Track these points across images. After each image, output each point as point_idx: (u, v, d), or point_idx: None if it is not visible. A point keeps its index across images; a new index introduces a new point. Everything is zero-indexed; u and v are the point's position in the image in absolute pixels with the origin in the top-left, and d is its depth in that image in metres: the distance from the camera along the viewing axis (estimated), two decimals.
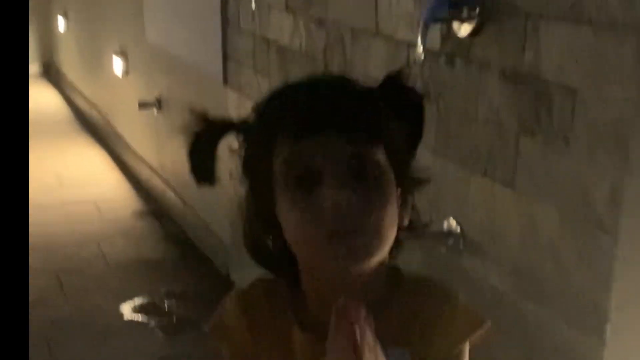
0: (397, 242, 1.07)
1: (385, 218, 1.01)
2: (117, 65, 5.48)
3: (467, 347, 1.10)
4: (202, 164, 1.09)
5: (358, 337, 0.92)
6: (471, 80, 1.97)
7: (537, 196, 1.80)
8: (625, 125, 1.55)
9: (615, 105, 1.57)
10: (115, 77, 5.59)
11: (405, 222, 1.07)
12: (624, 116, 1.55)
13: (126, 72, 5.45)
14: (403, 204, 1.06)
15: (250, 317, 1.11)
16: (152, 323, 3.45)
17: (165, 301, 3.62)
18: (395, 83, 1.09)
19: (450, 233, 2.08)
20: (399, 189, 1.05)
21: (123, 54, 5.48)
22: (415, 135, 1.10)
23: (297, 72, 2.85)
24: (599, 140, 1.62)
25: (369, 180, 1.00)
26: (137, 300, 3.62)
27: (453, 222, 2.08)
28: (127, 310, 3.55)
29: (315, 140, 0.99)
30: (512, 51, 1.83)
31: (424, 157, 2.23)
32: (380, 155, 1.01)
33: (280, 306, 1.11)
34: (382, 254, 1.03)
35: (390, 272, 1.10)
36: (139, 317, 3.49)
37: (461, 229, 2.06)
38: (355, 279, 1.03)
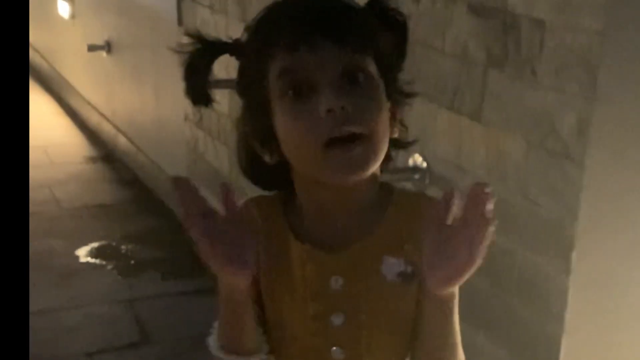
0: (387, 157, 1.10)
1: (379, 125, 1.04)
2: (63, 8, 5.36)
3: None
4: (197, 84, 1.10)
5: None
6: (438, 13, 1.98)
7: (505, 128, 1.83)
8: (594, 55, 1.58)
9: (584, 34, 1.59)
10: (61, 20, 5.46)
11: (395, 135, 1.10)
12: (593, 45, 1.58)
13: (73, 15, 5.33)
14: (392, 117, 1.09)
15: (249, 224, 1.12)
16: (109, 266, 3.43)
17: (122, 244, 3.60)
18: (379, 3, 1.11)
19: (416, 168, 2.10)
20: (389, 102, 1.08)
21: None
22: (400, 52, 1.12)
23: (257, 10, 2.81)
24: (567, 70, 1.64)
25: (362, 88, 1.03)
26: (93, 244, 3.60)
27: (419, 158, 2.10)
28: (84, 253, 3.53)
29: (310, 51, 1.02)
30: None
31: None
32: (372, 66, 1.05)
33: (275, 220, 1.13)
34: (376, 164, 1.06)
35: (383, 187, 1.13)
36: (96, 261, 3.47)
37: (427, 163, 2.08)
38: (350, 190, 1.05)
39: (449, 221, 0.97)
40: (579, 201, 1.66)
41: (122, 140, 4.69)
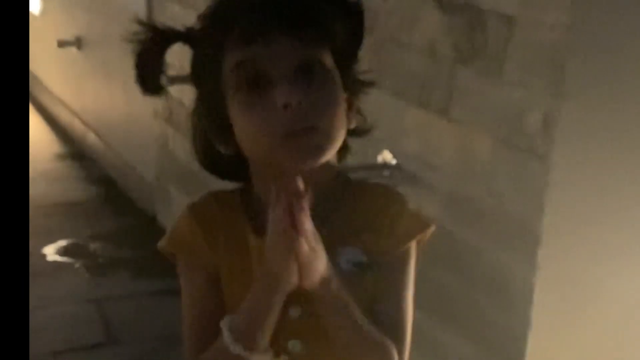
0: (345, 146, 1.11)
1: (335, 118, 1.05)
2: (34, 3, 5.31)
3: (413, 249, 1.13)
4: (148, 73, 1.09)
5: (296, 208, 0.95)
6: (406, 9, 1.97)
7: (472, 125, 1.82)
8: (561, 50, 1.58)
9: (550, 31, 1.59)
10: (31, 15, 5.41)
11: (352, 125, 1.11)
12: (560, 41, 1.58)
13: (43, 10, 5.28)
14: (349, 107, 1.09)
15: (205, 228, 1.12)
16: (78, 264, 3.39)
17: (90, 243, 3.56)
18: None
19: (385, 165, 2.09)
20: (346, 93, 1.08)
21: None
22: (356, 40, 1.12)
23: None
24: (533, 66, 1.64)
25: (317, 81, 1.03)
26: (61, 242, 3.56)
27: (388, 155, 2.09)
28: (51, 251, 3.48)
29: (265, 43, 1.01)
30: None
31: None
32: (327, 58, 1.05)
33: (234, 214, 1.13)
34: (331, 152, 1.06)
35: (340, 177, 1.14)
36: (63, 259, 3.43)
37: (396, 160, 2.07)
38: (306, 178, 1.04)
39: None
40: (545, 198, 1.66)
41: (91, 137, 4.65)
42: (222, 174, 1.16)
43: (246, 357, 1.04)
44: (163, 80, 1.10)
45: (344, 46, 1.09)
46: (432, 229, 1.17)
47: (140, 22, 1.09)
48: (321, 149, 1.04)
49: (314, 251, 0.99)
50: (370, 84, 1.15)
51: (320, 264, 1.01)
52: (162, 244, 1.16)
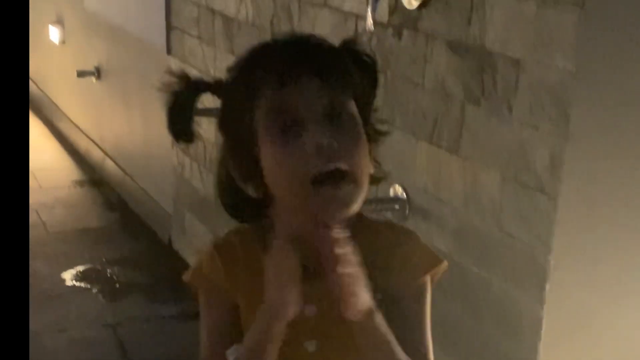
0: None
1: (363, 162, 1.10)
2: (54, 33, 5.41)
3: (428, 285, 1.18)
4: (180, 121, 1.15)
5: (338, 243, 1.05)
6: (418, 51, 2.04)
7: (481, 161, 1.89)
8: (566, 93, 1.64)
9: (556, 73, 1.66)
10: (52, 45, 5.52)
11: (371, 171, 1.15)
12: (565, 84, 1.64)
13: (63, 40, 5.38)
14: (369, 153, 1.14)
15: (227, 266, 1.18)
16: (95, 289, 3.46)
17: (107, 268, 3.63)
18: (352, 46, 1.17)
19: (396, 199, 2.16)
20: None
21: (60, 23, 5.41)
22: (372, 92, 1.18)
23: (244, 42, 2.87)
24: (540, 107, 1.71)
25: (345, 125, 1.08)
26: (79, 267, 3.63)
27: (399, 189, 2.16)
28: (69, 276, 3.56)
29: (296, 91, 1.07)
30: (459, 23, 1.90)
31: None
32: (352, 105, 1.11)
33: (253, 251, 1.18)
34: (361, 201, 1.11)
35: (354, 217, 1.17)
36: (81, 284, 3.50)
37: (407, 194, 2.13)
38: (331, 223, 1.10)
39: None
40: (553, 234, 1.71)
41: (109, 165, 4.73)
42: (243, 217, 1.21)
43: None
44: (194, 128, 1.16)
45: (364, 96, 1.15)
46: (445, 265, 1.22)
47: (172, 73, 1.14)
48: (351, 201, 1.09)
49: (358, 282, 1.05)
50: (386, 133, 1.20)
51: (364, 296, 1.06)
52: (186, 277, 1.23)
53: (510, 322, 1.83)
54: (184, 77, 1.15)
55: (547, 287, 1.73)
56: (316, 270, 1.14)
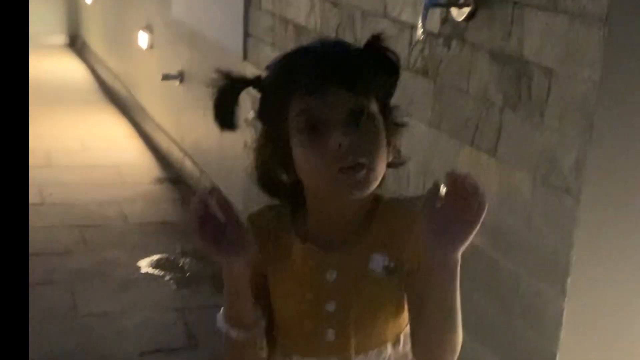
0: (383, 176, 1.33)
1: (379, 156, 1.28)
2: (143, 39, 5.72)
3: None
4: (225, 112, 1.33)
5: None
6: (464, 60, 2.21)
7: (515, 164, 2.03)
8: (591, 102, 1.78)
9: (583, 84, 1.80)
10: (140, 50, 5.83)
11: (390, 159, 1.33)
12: (590, 94, 1.79)
13: (151, 45, 5.68)
14: (388, 144, 1.32)
15: (259, 235, 1.35)
16: (167, 277, 3.71)
17: (180, 258, 3.88)
18: (378, 42, 1.33)
19: (440, 197, 2.31)
20: (387, 133, 1.31)
21: (149, 29, 5.72)
22: (393, 88, 1.35)
23: None
24: (568, 114, 1.85)
25: (365, 125, 1.26)
26: (154, 257, 3.89)
27: (443, 189, 2.31)
28: (145, 264, 3.81)
29: (323, 95, 1.25)
30: (500, 34, 2.06)
31: (420, 129, 2.47)
32: (373, 105, 1.28)
33: (283, 224, 1.37)
34: (376, 185, 1.29)
35: (373, 195, 1.35)
36: (155, 271, 3.75)
37: None
38: (351, 203, 1.30)
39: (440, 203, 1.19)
40: (575, 231, 1.85)
41: (188, 164, 4.99)
42: (277, 196, 1.38)
43: (227, 331, 1.30)
44: (237, 119, 1.33)
45: (386, 93, 1.32)
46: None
47: (218, 71, 1.33)
48: (368, 184, 1.27)
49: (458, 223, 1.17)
50: (404, 124, 1.36)
51: (458, 240, 1.18)
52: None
53: (535, 313, 1.97)
54: (227, 75, 1.33)
55: (569, 280, 1.87)
56: (335, 239, 1.32)
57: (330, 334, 1.35)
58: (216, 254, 1.23)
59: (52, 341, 3.09)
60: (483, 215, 1.17)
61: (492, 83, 2.11)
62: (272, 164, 1.34)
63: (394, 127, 1.35)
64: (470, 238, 1.18)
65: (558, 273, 1.90)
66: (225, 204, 1.21)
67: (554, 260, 1.91)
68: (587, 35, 1.79)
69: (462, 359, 1.35)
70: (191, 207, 1.22)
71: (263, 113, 1.34)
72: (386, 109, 1.33)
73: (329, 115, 1.25)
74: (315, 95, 1.25)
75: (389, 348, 1.39)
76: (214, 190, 1.22)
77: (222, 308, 1.34)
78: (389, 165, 1.34)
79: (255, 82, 1.34)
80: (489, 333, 2.12)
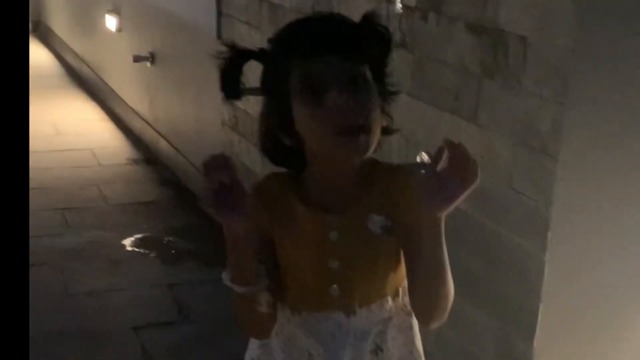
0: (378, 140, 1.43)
1: (375, 119, 1.38)
2: (111, 22, 5.75)
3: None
4: (230, 83, 1.42)
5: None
6: (442, 31, 2.31)
7: (495, 129, 2.15)
8: (565, 68, 1.90)
9: (557, 50, 1.91)
10: (109, 33, 5.85)
11: (384, 124, 1.43)
12: (564, 60, 1.90)
13: (119, 28, 5.71)
14: (382, 111, 1.42)
15: (265, 202, 1.45)
16: (152, 254, 3.79)
17: (164, 236, 3.96)
18: (371, 19, 1.43)
19: (423, 164, 2.43)
20: (381, 100, 1.41)
21: (116, 11, 5.75)
22: (386, 59, 1.45)
23: None
24: (544, 80, 1.96)
25: (361, 89, 1.36)
26: (138, 235, 3.97)
27: (425, 156, 2.43)
28: (129, 243, 3.90)
29: (322, 61, 1.35)
30: (476, 6, 2.16)
31: (401, 100, 2.58)
32: (367, 72, 1.38)
33: (287, 190, 1.47)
34: (374, 147, 1.39)
35: (371, 162, 1.46)
36: (140, 249, 3.83)
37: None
38: (351, 165, 1.39)
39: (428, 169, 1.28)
40: (553, 189, 1.97)
41: (163, 144, 5.05)
42: (279, 161, 1.48)
43: (230, 286, 1.38)
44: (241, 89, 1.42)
45: (378, 63, 1.42)
46: None
47: (224, 43, 1.42)
48: (367, 147, 1.37)
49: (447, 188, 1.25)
50: (397, 92, 1.47)
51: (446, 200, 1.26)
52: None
53: (519, 267, 2.09)
54: (233, 46, 1.41)
55: (549, 235, 1.99)
56: (336, 202, 1.42)
57: (335, 290, 1.46)
58: (218, 216, 1.30)
59: (44, 321, 3.16)
60: (475, 184, 1.27)
61: (470, 53, 2.22)
62: (276, 131, 1.43)
63: (386, 94, 1.44)
64: (458, 201, 1.27)
65: (539, 229, 2.02)
66: (232, 169, 1.28)
67: (534, 217, 2.03)
68: (559, 4, 1.90)
69: (451, 314, 1.47)
70: (203, 169, 1.28)
71: (266, 83, 1.43)
72: (379, 77, 1.42)
73: (326, 78, 1.34)
74: (313, 61, 1.35)
75: (390, 301, 1.50)
76: (223, 156, 1.29)
77: (226, 267, 1.42)
78: (383, 132, 1.43)
79: (259, 54, 1.43)
80: (476, 290, 2.24)
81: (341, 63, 1.35)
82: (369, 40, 1.40)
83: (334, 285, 1.46)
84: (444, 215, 1.29)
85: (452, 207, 1.28)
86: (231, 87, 1.43)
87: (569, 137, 1.94)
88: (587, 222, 2.01)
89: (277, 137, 1.44)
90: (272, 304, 1.47)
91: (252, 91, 1.50)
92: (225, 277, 1.41)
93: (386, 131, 1.44)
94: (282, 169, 1.52)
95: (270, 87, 1.43)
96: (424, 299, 1.43)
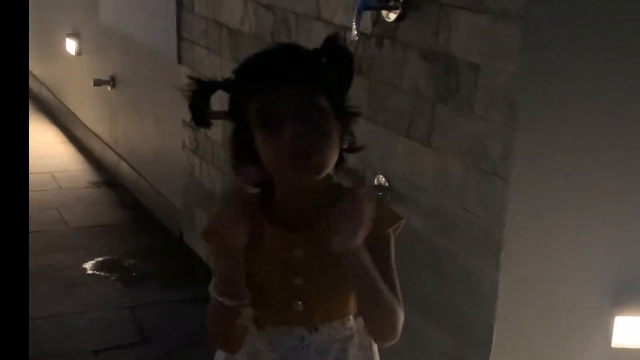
0: (341, 160, 1.50)
1: (328, 144, 1.44)
2: (71, 45, 5.75)
3: (392, 235, 1.53)
4: (199, 113, 1.50)
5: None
6: (396, 58, 2.38)
7: (449, 152, 2.21)
8: (514, 93, 1.97)
9: (506, 76, 1.99)
10: (69, 56, 5.86)
11: (345, 146, 1.50)
12: (513, 85, 1.97)
13: (79, 52, 5.72)
14: (343, 133, 1.48)
15: None
16: (113, 277, 3.80)
17: (124, 259, 3.97)
18: (333, 42, 1.51)
19: (380, 186, 2.49)
20: (339, 123, 1.47)
21: (75, 35, 5.76)
22: (347, 83, 1.52)
23: (248, 52, 3.20)
24: (494, 105, 2.03)
25: (313, 119, 1.42)
26: (98, 258, 3.98)
27: (382, 178, 2.49)
28: (89, 266, 3.90)
29: (275, 96, 1.41)
30: (429, 34, 2.23)
31: (359, 124, 2.64)
32: (323, 101, 1.44)
33: (255, 211, 1.51)
34: (328, 169, 1.46)
35: (335, 185, 1.52)
36: (100, 272, 3.84)
37: (389, 182, 2.47)
38: (311, 187, 1.46)
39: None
40: (505, 211, 2.04)
41: (124, 167, 5.06)
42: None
43: (222, 300, 1.46)
44: (209, 117, 1.50)
45: (336, 89, 1.48)
46: (403, 221, 1.55)
47: (191, 77, 1.48)
48: (319, 168, 1.44)
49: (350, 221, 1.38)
50: (357, 114, 1.53)
51: (354, 236, 1.39)
52: (200, 233, 1.57)
53: (473, 287, 2.16)
54: (198, 80, 1.49)
55: (502, 255, 2.06)
56: (301, 222, 1.48)
57: (298, 306, 1.52)
58: (231, 231, 1.42)
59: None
60: (368, 214, 1.39)
61: (423, 78, 2.29)
62: (242, 156, 1.50)
63: (346, 116, 1.51)
64: (362, 234, 1.40)
65: (492, 249, 2.08)
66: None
67: (487, 237, 2.10)
68: (507, 32, 1.97)
69: (408, 332, 1.53)
70: (232, 185, 1.43)
71: (231, 112, 1.50)
72: (337, 102, 1.48)
73: (281, 111, 1.41)
74: (269, 94, 1.41)
75: (352, 319, 1.57)
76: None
77: (213, 283, 1.49)
78: (348, 151, 1.51)
79: (224, 84, 1.49)
80: (431, 308, 2.30)
81: (295, 96, 1.41)
82: (327, 68, 1.46)
83: (298, 302, 1.52)
84: (358, 246, 1.41)
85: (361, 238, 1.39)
86: (201, 118, 1.51)
87: (519, 160, 2.01)
88: (538, 243, 2.07)
89: (243, 161, 1.49)
90: (253, 318, 1.53)
91: (220, 115, 1.57)
92: (212, 291, 1.48)
93: (350, 150, 1.51)
94: None
95: (234, 116, 1.49)
96: (367, 320, 1.52)
